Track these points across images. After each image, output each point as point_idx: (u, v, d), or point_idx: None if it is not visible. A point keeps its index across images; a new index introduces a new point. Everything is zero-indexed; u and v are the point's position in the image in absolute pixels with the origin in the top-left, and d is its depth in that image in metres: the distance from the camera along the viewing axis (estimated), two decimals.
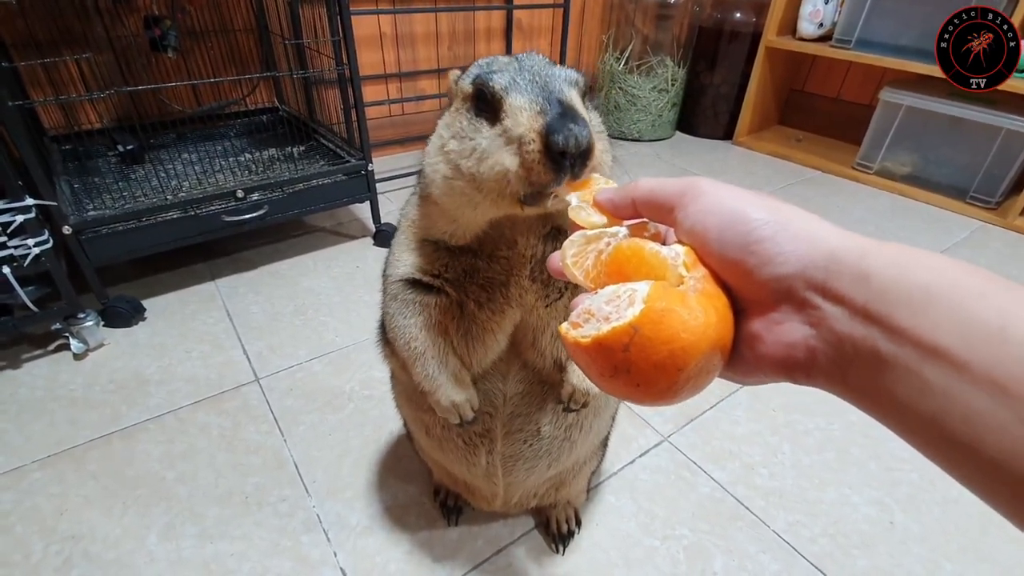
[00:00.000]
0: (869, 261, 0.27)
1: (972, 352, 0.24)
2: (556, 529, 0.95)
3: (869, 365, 0.27)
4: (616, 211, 0.39)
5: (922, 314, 0.25)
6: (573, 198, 0.43)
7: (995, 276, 0.26)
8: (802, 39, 2.49)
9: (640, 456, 1.14)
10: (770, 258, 0.30)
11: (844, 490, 1.08)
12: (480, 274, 0.62)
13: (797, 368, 0.30)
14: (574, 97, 0.50)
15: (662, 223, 0.38)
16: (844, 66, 2.67)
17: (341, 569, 0.92)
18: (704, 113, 2.90)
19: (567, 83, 0.51)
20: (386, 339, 0.73)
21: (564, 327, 0.34)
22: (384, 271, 0.69)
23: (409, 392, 0.77)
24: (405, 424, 0.96)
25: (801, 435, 1.19)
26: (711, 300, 0.31)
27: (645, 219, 0.39)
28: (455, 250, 0.62)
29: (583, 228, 0.40)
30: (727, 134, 2.89)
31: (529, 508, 0.95)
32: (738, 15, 2.64)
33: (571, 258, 0.38)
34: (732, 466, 1.12)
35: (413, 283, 0.64)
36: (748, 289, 0.32)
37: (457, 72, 0.60)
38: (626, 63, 2.74)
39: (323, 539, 0.97)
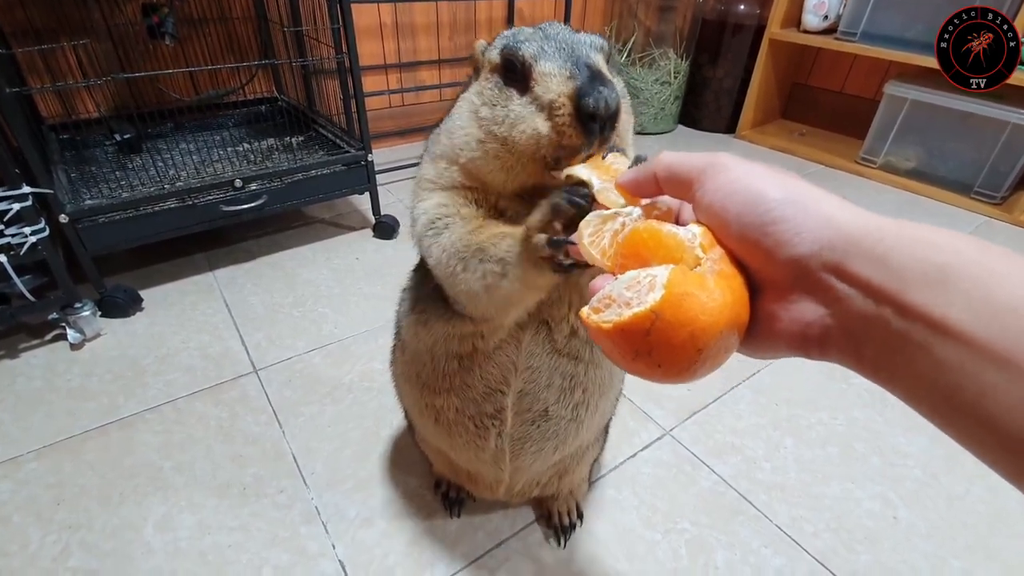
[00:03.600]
0: (887, 244, 0.28)
1: (986, 330, 0.24)
2: (558, 521, 0.94)
3: (882, 342, 0.28)
4: (639, 189, 0.40)
5: (937, 293, 0.26)
6: (596, 181, 0.44)
7: (1012, 253, 0.26)
8: (806, 31, 2.46)
9: (642, 450, 1.13)
10: (787, 239, 0.30)
11: (847, 485, 1.07)
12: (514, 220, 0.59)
13: (811, 344, 0.31)
14: (600, 62, 0.51)
15: (682, 199, 0.38)
16: (849, 59, 2.65)
17: (340, 561, 0.91)
18: (707, 106, 2.88)
19: (593, 48, 0.52)
20: (414, 305, 0.72)
21: (585, 311, 0.35)
22: (414, 237, 0.64)
23: (424, 376, 0.75)
24: (406, 415, 0.95)
25: (804, 429, 1.18)
26: (728, 281, 0.32)
27: (656, 199, 0.40)
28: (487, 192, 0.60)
29: (605, 208, 0.41)
30: (730, 128, 2.87)
31: (531, 498, 0.94)
32: (742, 7, 2.62)
33: (588, 238, 0.40)
34: (734, 460, 1.11)
35: (445, 216, 0.60)
36: (764, 268, 0.32)
37: (483, 43, 0.60)
38: (628, 55, 2.72)
39: (322, 531, 0.96)
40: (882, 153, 2.36)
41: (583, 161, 0.48)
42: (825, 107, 2.83)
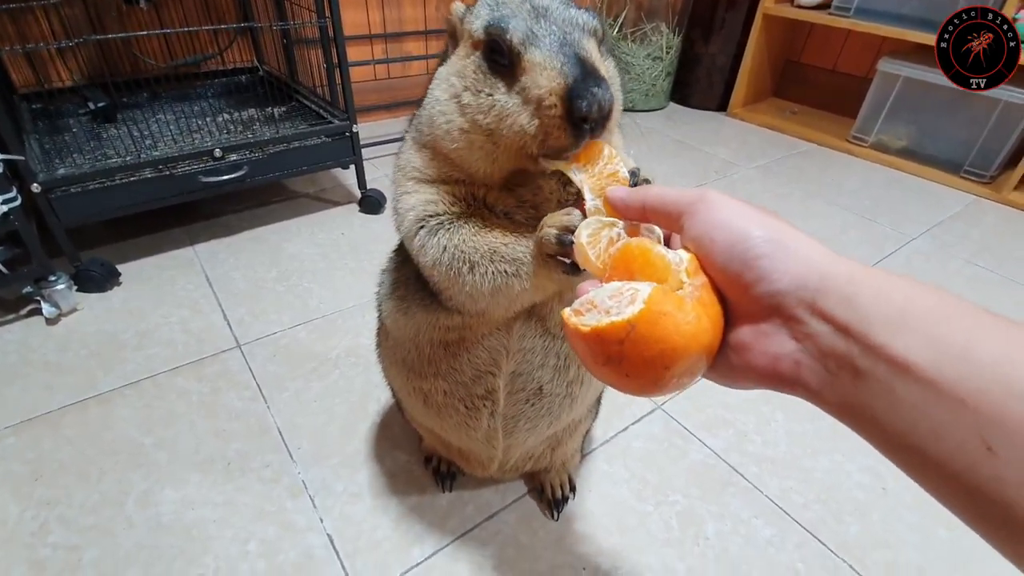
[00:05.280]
0: (855, 285, 0.30)
1: (938, 370, 0.26)
2: (551, 495, 0.93)
3: (848, 379, 0.30)
4: (625, 211, 0.42)
5: (897, 334, 0.28)
6: (587, 194, 0.45)
7: (964, 301, 0.29)
8: (800, 7, 2.43)
9: (633, 423, 1.12)
10: (767, 275, 0.32)
11: (837, 457, 1.07)
12: (507, 216, 0.57)
13: (781, 379, 0.33)
14: (593, 50, 0.47)
15: (668, 228, 0.40)
16: (842, 36, 2.63)
17: (328, 535, 0.90)
18: (698, 83, 2.84)
19: (586, 32, 0.48)
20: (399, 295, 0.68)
21: (567, 312, 0.37)
22: (400, 232, 0.61)
23: (410, 361, 0.73)
24: (394, 394, 0.93)
25: (794, 404, 1.18)
26: (706, 308, 0.34)
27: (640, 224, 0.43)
28: (474, 185, 0.57)
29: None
30: (721, 105, 2.84)
31: (523, 473, 0.93)
32: None
33: (586, 238, 0.42)
34: (725, 434, 1.11)
35: (436, 215, 0.57)
36: (743, 300, 0.34)
37: (461, 6, 0.55)
38: (619, 29, 2.67)
39: (309, 505, 0.94)
40: (874, 132, 2.35)
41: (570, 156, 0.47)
42: (817, 85, 2.80)
